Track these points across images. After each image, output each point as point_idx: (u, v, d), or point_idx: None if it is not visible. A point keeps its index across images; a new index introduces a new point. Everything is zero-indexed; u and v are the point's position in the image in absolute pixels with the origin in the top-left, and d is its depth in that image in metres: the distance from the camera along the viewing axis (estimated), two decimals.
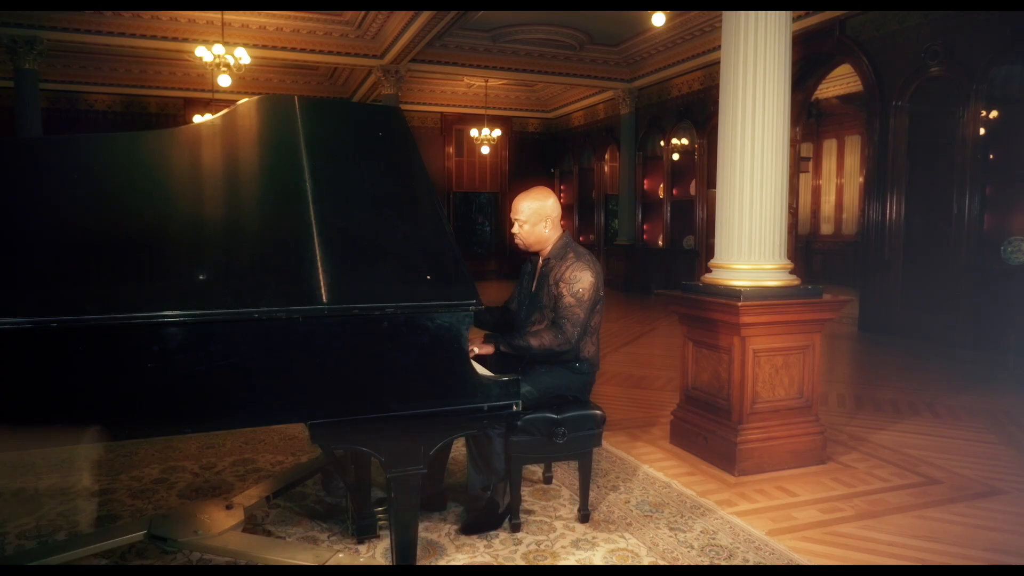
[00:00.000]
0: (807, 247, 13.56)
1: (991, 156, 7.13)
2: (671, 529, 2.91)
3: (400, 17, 10.00)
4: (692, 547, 2.76)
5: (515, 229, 3.05)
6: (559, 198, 16.89)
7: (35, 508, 3.05)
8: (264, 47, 10.70)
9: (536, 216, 3.00)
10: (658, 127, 12.66)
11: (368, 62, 11.44)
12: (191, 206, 2.29)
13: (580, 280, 2.89)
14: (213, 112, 10.00)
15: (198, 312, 1.90)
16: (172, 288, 1.98)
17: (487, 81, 14.04)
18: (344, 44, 11.16)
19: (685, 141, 12.13)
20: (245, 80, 12.87)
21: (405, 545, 2.22)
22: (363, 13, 10.18)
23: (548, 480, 3.42)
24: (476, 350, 2.84)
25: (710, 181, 11.03)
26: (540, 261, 3.08)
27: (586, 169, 15.49)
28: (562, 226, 3.09)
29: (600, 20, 10.71)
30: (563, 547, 2.74)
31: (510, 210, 3.11)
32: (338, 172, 2.40)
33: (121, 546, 2.58)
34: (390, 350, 2.09)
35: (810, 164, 13.92)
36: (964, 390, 5.41)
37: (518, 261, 3.33)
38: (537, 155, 16.45)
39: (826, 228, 13.98)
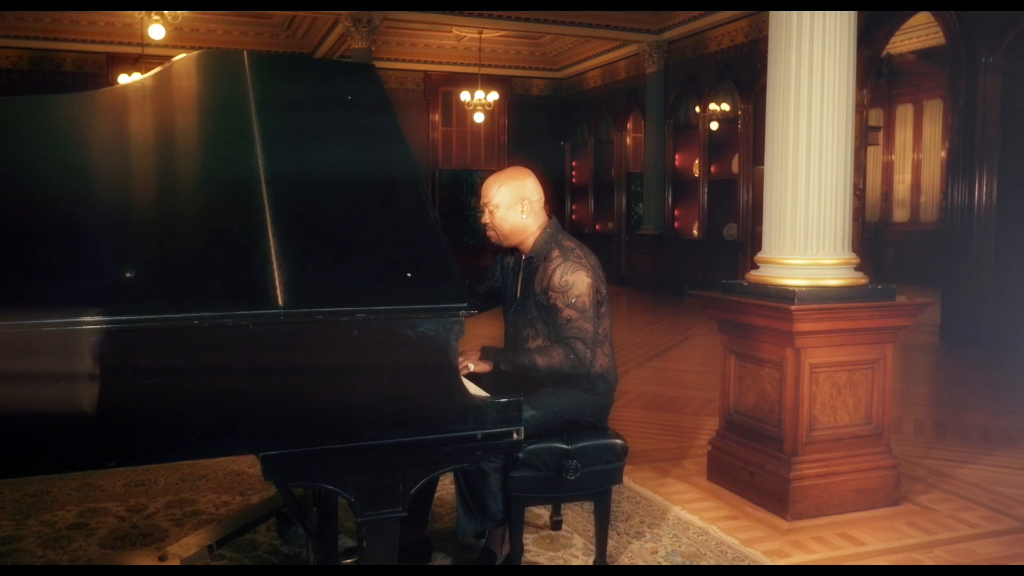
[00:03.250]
0: (876, 237, 13.58)
1: None
2: None
3: None
4: None
5: (485, 218, 3.02)
6: (571, 176, 16.94)
7: None
8: None
9: (510, 197, 2.96)
10: (693, 89, 12.67)
11: (333, 10, 11.44)
12: (116, 187, 2.29)
13: (574, 285, 2.84)
14: (143, 71, 10.00)
15: (124, 318, 1.90)
16: (91, 288, 1.98)
17: (481, 32, 14.05)
18: None
19: (726, 106, 12.14)
20: (182, 31, 12.88)
21: None
22: None
23: (557, 525, 3.42)
24: (471, 367, 2.83)
25: (757, 156, 11.04)
26: (523, 259, 3.05)
27: (604, 142, 15.50)
28: (547, 213, 3.05)
29: None
30: None
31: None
32: (297, 145, 2.39)
33: None
34: (362, 365, 2.09)
35: (880, 135, 13.94)
36: None
37: None
38: (543, 124, 16.46)
39: (900, 214, 13.99)
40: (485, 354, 2.89)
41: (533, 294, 2.93)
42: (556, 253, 2.91)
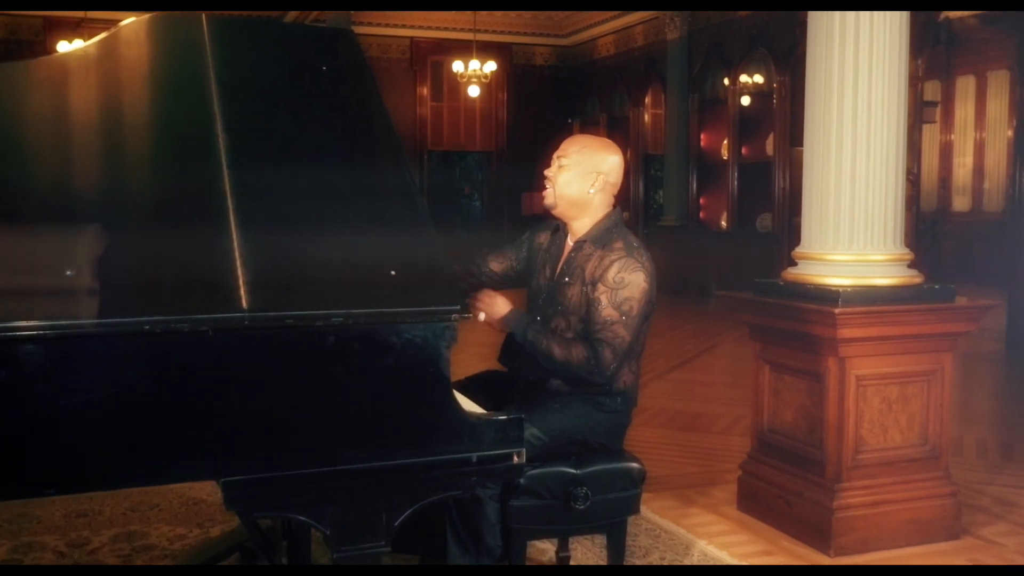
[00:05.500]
0: (933, 229, 13.57)
1: None
2: None
3: None
4: None
5: (550, 171, 3.03)
6: None
7: None
8: None
9: (587, 164, 2.98)
10: (721, 59, 12.68)
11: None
12: (54, 172, 2.29)
13: (629, 285, 2.85)
14: (86, 38, 9.99)
15: (63, 323, 1.90)
16: (25, 288, 1.98)
17: None
18: None
19: (759, 78, 12.14)
20: None
21: None
22: None
23: (564, 562, 3.42)
24: (483, 317, 2.87)
25: (795, 136, 11.04)
26: (570, 240, 3.07)
27: (618, 118, 15.52)
28: (615, 203, 3.08)
29: None
30: None
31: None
32: (264, 122, 2.39)
33: None
34: (339, 377, 2.09)
35: (937, 111, 13.92)
36: None
37: None
38: (548, 99, 16.46)
39: (960, 203, 13.99)
40: (514, 316, 2.92)
41: (582, 281, 2.93)
42: (620, 245, 2.94)
